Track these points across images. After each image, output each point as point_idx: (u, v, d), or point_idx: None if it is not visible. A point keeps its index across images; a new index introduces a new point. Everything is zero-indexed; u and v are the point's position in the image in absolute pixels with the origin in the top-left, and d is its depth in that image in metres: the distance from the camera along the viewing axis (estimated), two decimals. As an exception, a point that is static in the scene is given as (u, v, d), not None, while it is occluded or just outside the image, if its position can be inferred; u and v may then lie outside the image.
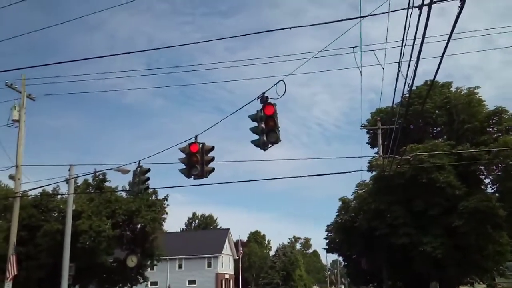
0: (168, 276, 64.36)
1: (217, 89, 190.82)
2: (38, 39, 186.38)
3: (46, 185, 30.05)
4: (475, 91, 30.27)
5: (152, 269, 39.60)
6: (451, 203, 25.15)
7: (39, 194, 30.26)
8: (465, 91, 30.88)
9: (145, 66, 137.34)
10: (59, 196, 31.57)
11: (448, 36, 7.64)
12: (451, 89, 32.30)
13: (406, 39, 9.61)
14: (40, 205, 31.17)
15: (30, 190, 24.33)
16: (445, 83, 33.01)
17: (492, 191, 28.05)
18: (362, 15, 10.33)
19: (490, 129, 28.80)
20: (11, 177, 23.10)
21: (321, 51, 12.08)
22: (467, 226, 24.28)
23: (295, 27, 9.88)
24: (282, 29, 9.82)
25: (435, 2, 7.09)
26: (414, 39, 8.71)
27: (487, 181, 28.54)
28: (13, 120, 22.96)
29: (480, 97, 30.02)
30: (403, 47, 10.09)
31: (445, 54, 8.16)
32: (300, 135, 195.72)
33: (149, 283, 40.59)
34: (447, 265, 25.38)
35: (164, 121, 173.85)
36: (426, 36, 7.97)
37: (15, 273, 21.35)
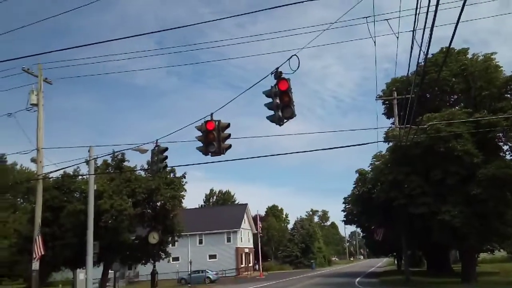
0: (189, 251, 65.32)
1: (229, 65, 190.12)
2: (51, 22, 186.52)
3: (67, 167, 30.38)
4: (492, 57, 29.75)
5: (173, 245, 40.30)
6: (469, 171, 25.07)
7: (60, 176, 30.78)
8: (481, 57, 30.38)
9: (155, 44, 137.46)
10: (80, 177, 32.12)
11: (462, 2, 7.59)
12: (468, 55, 31.77)
13: (420, 7, 9.52)
14: (62, 187, 31.79)
15: (52, 172, 24.65)
16: (461, 49, 32.46)
17: (511, 157, 27.86)
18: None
19: (508, 95, 28.41)
20: (33, 160, 23.45)
21: (334, 23, 12.01)
22: (486, 194, 24.23)
23: (306, 0, 9.81)
24: (293, 4, 9.76)
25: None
26: (428, 6, 8.63)
27: (505, 147, 28.34)
28: (31, 104, 23.22)
29: (497, 63, 29.55)
30: (417, 15, 9.98)
31: (461, 20, 8.09)
32: (314, 109, 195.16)
33: (171, 258, 41.36)
34: (467, 233, 25.39)
35: (177, 99, 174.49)
36: (440, 3, 7.91)
37: (42, 253, 21.91)
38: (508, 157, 28.02)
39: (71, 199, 31.34)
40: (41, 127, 23.06)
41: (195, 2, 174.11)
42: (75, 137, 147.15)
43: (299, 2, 10.01)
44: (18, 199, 61.64)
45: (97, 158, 26.17)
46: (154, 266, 34.07)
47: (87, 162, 24.37)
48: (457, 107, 30.53)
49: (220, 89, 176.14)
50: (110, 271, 35.32)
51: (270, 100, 11.63)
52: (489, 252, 40.91)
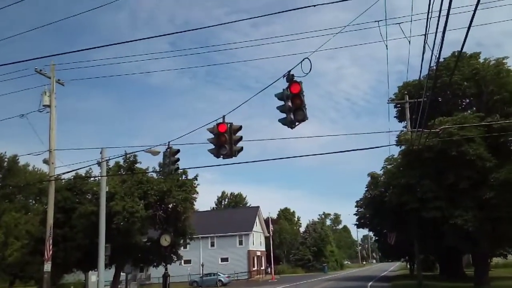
0: (201, 254, 65.47)
1: (242, 66, 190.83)
2: (63, 21, 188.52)
3: (79, 168, 30.69)
4: (504, 61, 29.56)
5: (185, 247, 40.42)
6: (481, 176, 24.86)
7: (72, 177, 31.00)
8: (493, 61, 30.17)
9: (169, 44, 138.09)
10: (92, 179, 32.33)
11: (474, 7, 7.55)
12: (479, 60, 31.61)
13: (432, 11, 9.49)
14: (74, 188, 32.08)
15: (64, 173, 24.82)
16: (473, 54, 32.30)
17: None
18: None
19: (520, 100, 28.15)
20: (45, 161, 23.64)
21: (346, 26, 12.06)
22: (498, 198, 24.01)
23: (318, 4, 9.86)
24: (306, 7, 9.80)
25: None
26: (440, 13, 8.59)
27: (518, 152, 28.00)
28: (44, 105, 23.42)
29: (509, 68, 29.33)
30: (428, 20, 9.95)
31: (475, 24, 8.05)
32: (328, 110, 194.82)
33: (183, 261, 41.48)
34: (479, 238, 25.21)
35: (191, 100, 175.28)
36: (453, 7, 7.87)
37: (51, 255, 22.02)
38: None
39: (83, 200, 31.58)
40: (53, 128, 23.26)
41: (210, 2, 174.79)
42: (88, 138, 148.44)
43: (312, 6, 10.07)
44: (30, 200, 62.25)
45: (109, 159, 26.36)
46: (166, 269, 34.13)
47: (99, 163, 24.57)
48: (469, 111, 30.32)
49: (234, 90, 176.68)
50: (121, 273, 35.52)
51: (282, 102, 11.67)
52: (502, 257, 40.54)
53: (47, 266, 21.78)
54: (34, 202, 60.65)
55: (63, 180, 30.12)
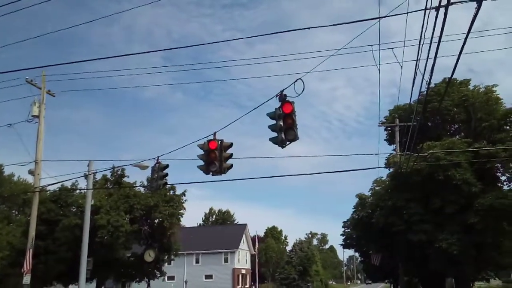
0: (185, 271, 64.79)
1: (236, 83, 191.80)
2: (57, 32, 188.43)
3: (65, 180, 30.36)
4: (493, 89, 30.15)
5: (169, 264, 39.96)
6: (467, 200, 25.05)
7: (58, 189, 30.64)
8: (482, 89, 30.75)
9: (163, 59, 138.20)
10: (77, 191, 31.99)
11: (465, 36, 7.65)
12: (469, 87, 32.11)
13: (424, 38, 9.62)
14: (59, 200, 31.64)
15: (49, 185, 24.56)
16: (463, 80, 32.83)
17: (509, 188, 27.84)
18: (380, 16, 10.34)
19: (507, 127, 28.62)
20: (31, 172, 23.40)
21: (340, 49, 12.18)
22: (483, 223, 24.21)
23: (313, 27, 9.97)
24: (301, 29, 9.89)
25: (451, 4, 7.10)
26: (431, 40, 8.71)
27: (503, 178, 28.37)
28: (32, 116, 23.31)
29: (498, 95, 29.95)
30: (420, 46, 10.09)
31: (468, 51, 8.17)
32: (321, 130, 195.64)
33: (166, 277, 40.98)
34: (463, 262, 25.30)
35: (183, 115, 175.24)
36: (446, 34, 8.00)
37: (29, 267, 21.60)
38: (505, 187, 28.03)
39: (68, 213, 31.15)
40: (41, 139, 23.08)
41: (207, 18, 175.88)
42: (76, 150, 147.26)
43: (307, 28, 10.14)
44: (13, 211, 61.29)
45: (96, 172, 26.15)
46: (149, 285, 33.73)
47: (86, 176, 24.34)
48: (457, 137, 30.64)
49: (226, 107, 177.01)
50: (103, 288, 34.98)
51: (274, 121, 11.70)
52: (484, 281, 40.70)
53: (27, 279, 21.40)
54: (17, 213, 59.71)
55: (48, 192, 29.75)
